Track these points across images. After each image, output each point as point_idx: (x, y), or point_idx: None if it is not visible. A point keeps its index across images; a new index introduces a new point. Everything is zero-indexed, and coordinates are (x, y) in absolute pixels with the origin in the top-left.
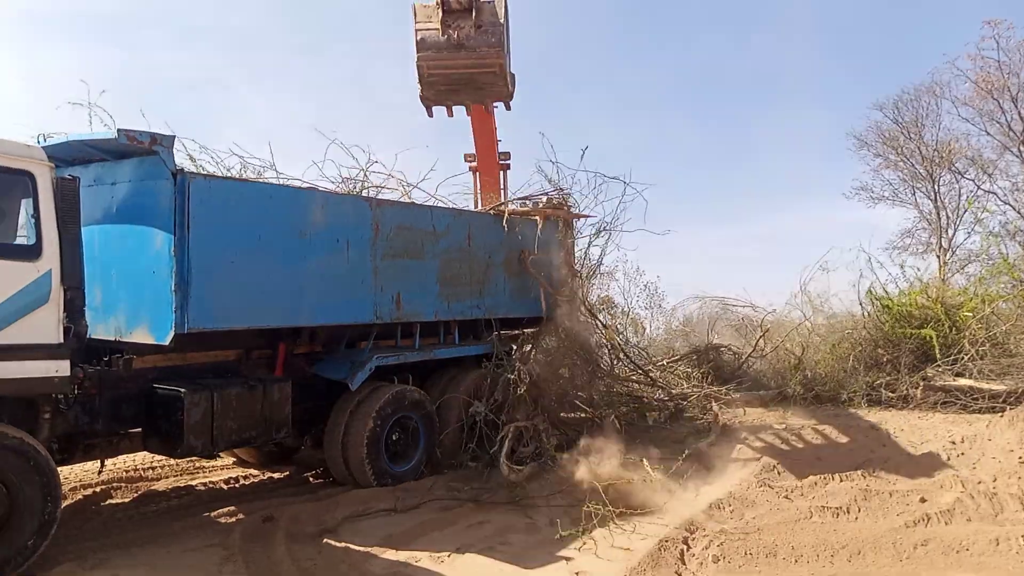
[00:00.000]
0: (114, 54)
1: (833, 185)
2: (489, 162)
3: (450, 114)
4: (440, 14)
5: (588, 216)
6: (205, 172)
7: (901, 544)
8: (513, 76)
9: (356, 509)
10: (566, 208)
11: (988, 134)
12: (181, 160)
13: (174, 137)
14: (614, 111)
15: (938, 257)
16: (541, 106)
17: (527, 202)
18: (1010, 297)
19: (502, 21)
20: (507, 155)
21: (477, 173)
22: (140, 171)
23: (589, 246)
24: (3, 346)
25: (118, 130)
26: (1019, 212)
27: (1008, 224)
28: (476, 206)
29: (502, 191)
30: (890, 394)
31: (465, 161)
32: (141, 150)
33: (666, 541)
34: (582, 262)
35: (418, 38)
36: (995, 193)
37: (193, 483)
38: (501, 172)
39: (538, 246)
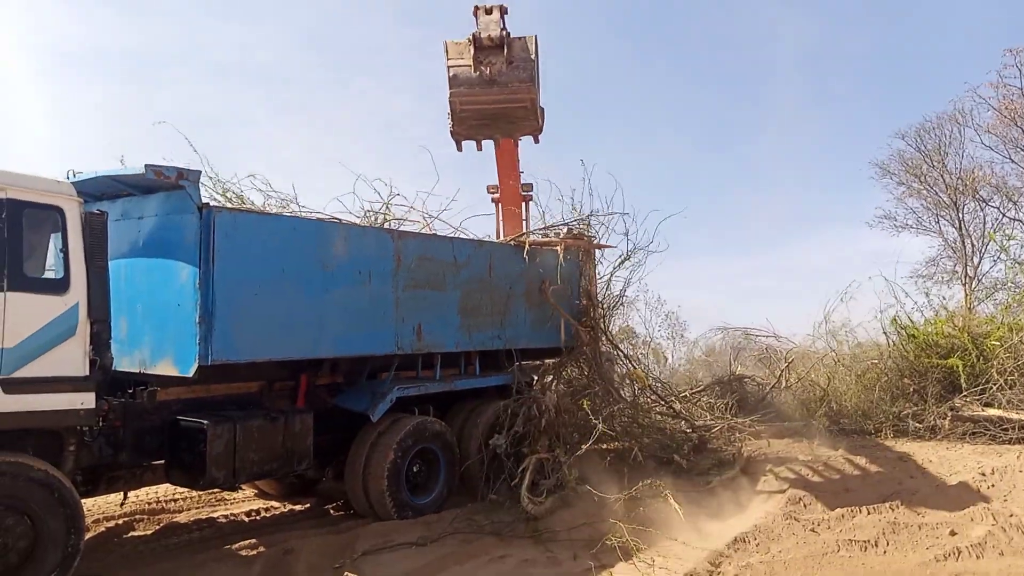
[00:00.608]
0: (139, 90)
1: (856, 214)
2: (512, 194)
3: (479, 148)
4: (472, 51)
5: (609, 247)
6: (230, 206)
7: None
8: (543, 110)
9: (377, 542)
10: (587, 239)
11: (1012, 161)
12: (208, 195)
13: (200, 172)
14: (633, 141)
15: (964, 285)
16: (555, 135)
17: (548, 233)
18: None
19: (533, 57)
20: (529, 186)
21: (499, 204)
22: (167, 206)
23: (611, 277)
24: (31, 379)
25: (145, 165)
26: None
27: None
28: (498, 237)
29: (524, 222)
30: (917, 425)
31: (488, 193)
32: (168, 185)
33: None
34: (604, 292)
35: (450, 74)
36: (1020, 220)
37: (215, 515)
38: (524, 203)
39: (560, 277)
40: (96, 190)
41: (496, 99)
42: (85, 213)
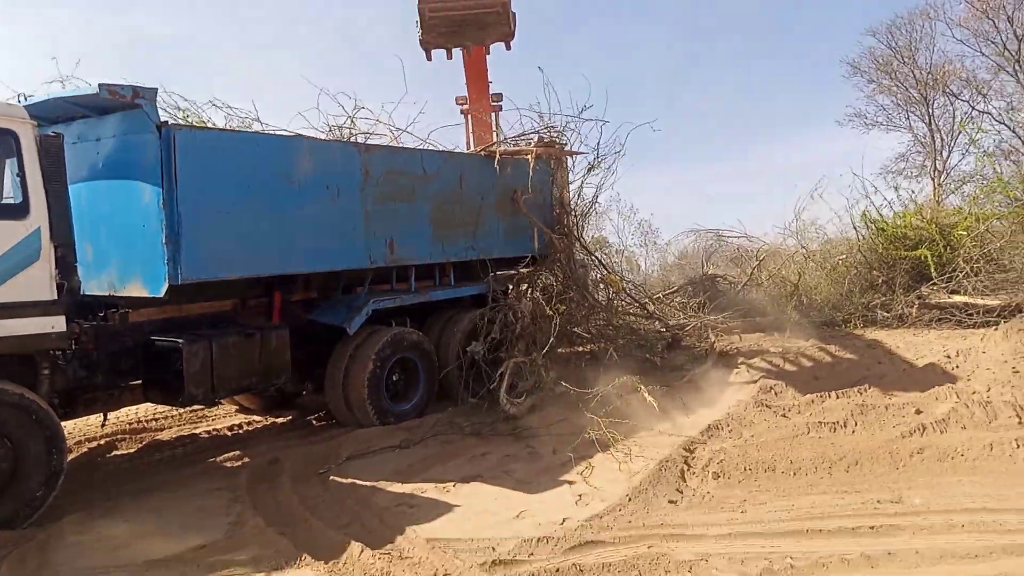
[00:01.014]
0: (91, 15)
1: (827, 114)
2: (482, 104)
3: (449, 56)
4: None
5: (580, 153)
6: (190, 124)
7: (897, 454)
8: (514, 15)
9: (360, 448)
10: (557, 146)
11: (983, 55)
12: (165, 114)
13: (156, 90)
14: (604, 47)
15: (933, 180)
16: (529, 42)
17: (519, 142)
18: (1004, 215)
19: None
20: (499, 96)
21: (469, 116)
22: (124, 126)
23: (582, 184)
24: None
25: (99, 85)
26: (1013, 131)
27: (1002, 144)
28: (468, 149)
29: (494, 133)
30: (886, 314)
31: (457, 104)
32: (124, 104)
33: (666, 461)
34: (576, 200)
35: None
36: (989, 113)
37: (197, 431)
38: (493, 114)
39: (531, 185)
40: (50, 113)
41: (467, 4)
42: (40, 136)
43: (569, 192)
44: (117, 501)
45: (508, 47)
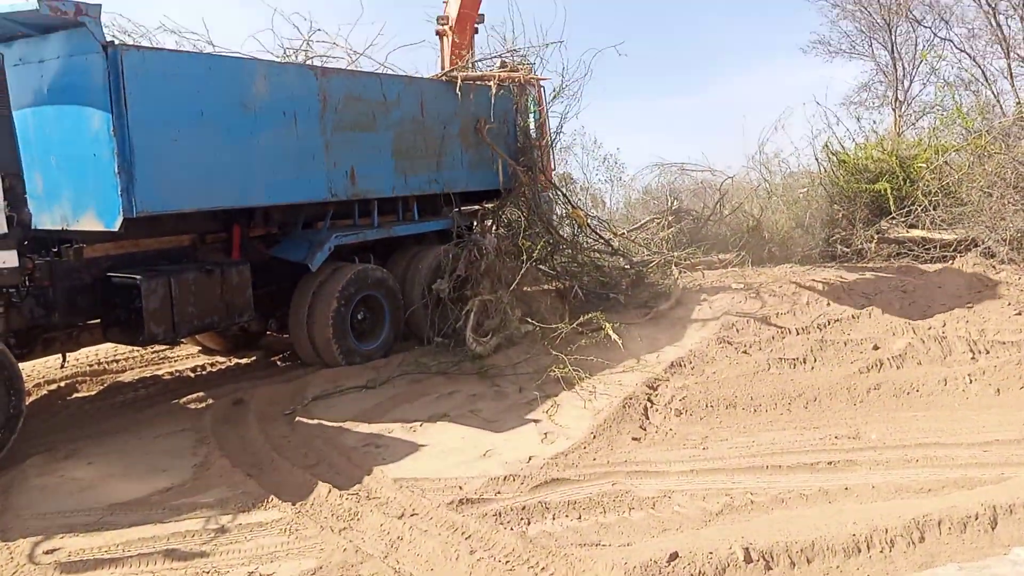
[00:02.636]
0: None
1: (791, 42)
2: (468, 22)
3: None
4: None
5: (544, 79)
6: (138, 44)
7: (855, 389)
8: None
9: (326, 388)
10: (521, 71)
11: None
12: (112, 36)
13: (100, 6)
14: None
15: (894, 110)
16: None
17: (480, 66)
18: (962, 147)
19: None
20: (482, 17)
21: (445, 38)
22: (68, 46)
23: (547, 112)
24: None
25: (39, 0)
26: (974, 60)
27: (963, 73)
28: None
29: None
30: (845, 249)
31: (439, 23)
32: (67, 22)
33: (630, 399)
34: (537, 129)
35: None
36: (951, 41)
37: (159, 373)
38: (473, 34)
39: (493, 114)
40: None
41: None
42: None
43: (545, 122)
44: (80, 444)
45: None
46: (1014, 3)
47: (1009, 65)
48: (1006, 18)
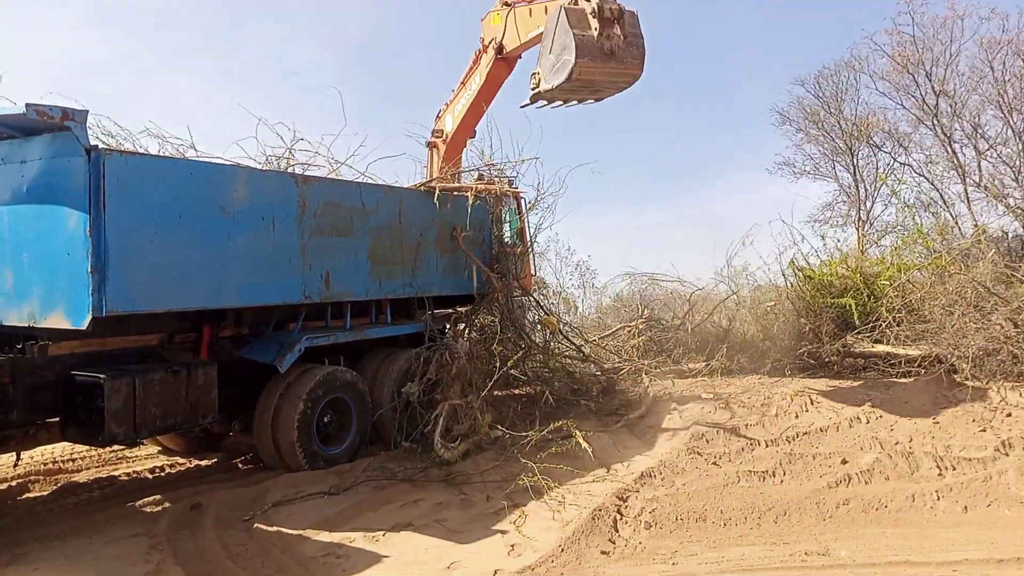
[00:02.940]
0: (20, 33)
1: (759, 161)
2: (464, 137)
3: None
4: (595, 22)
5: (519, 192)
6: (121, 148)
7: (824, 504)
8: None
9: (288, 493)
10: (498, 184)
11: (904, 108)
12: (95, 139)
13: (87, 112)
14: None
15: (857, 229)
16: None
17: (459, 178)
18: (924, 266)
19: (640, 32)
20: (475, 132)
21: (436, 150)
22: (52, 148)
23: (524, 222)
24: None
25: (27, 105)
26: (932, 184)
27: (922, 195)
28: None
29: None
30: (813, 362)
31: (432, 135)
32: (52, 126)
33: (599, 510)
34: (515, 237)
35: (576, 43)
36: (910, 166)
37: (116, 473)
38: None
39: (469, 223)
40: None
41: (611, 71)
42: None
43: (524, 230)
44: (27, 548)
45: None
46: (967, 133)
47: (966, 190)
48: (961, 147)
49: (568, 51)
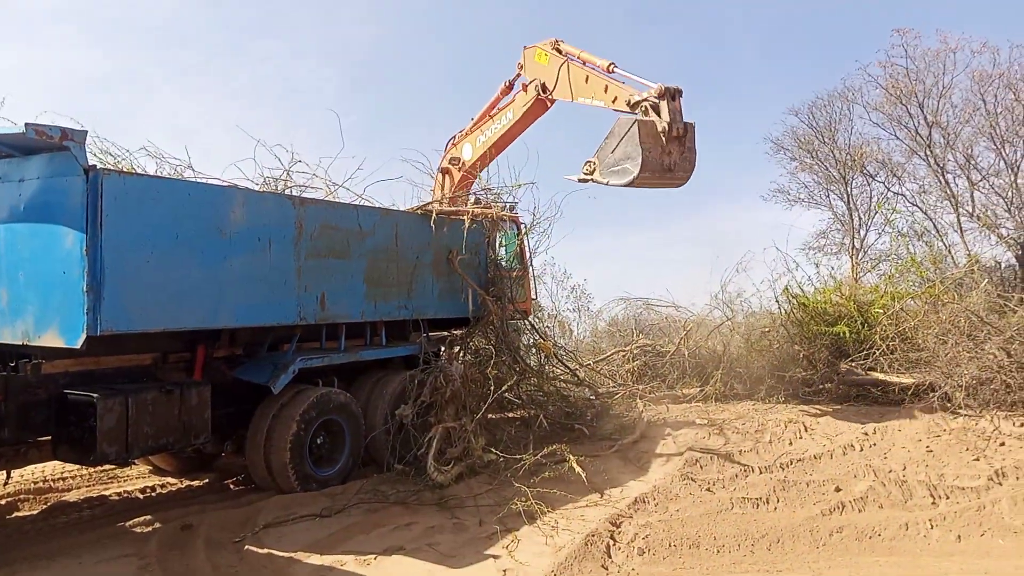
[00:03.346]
0: (20, 50)
1: (754, 188)
2: (480, 167)
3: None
4: (663, 139)
5: (515, 217)
6: (119, 168)
7: (817, 532)
8: None
9: (279, 515)
10: (494, 208)
11: (897, 138)
12: (94, 158)
13: (86, 132)
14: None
15: (851, 257)
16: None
17: (456, 202)
18: (918, 294)
19: (696, 147)
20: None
21: (448, 176)
22: (50, 168)
23: (523, 246)
24: None
25: (26, 124)
26: (925, 213)
27: (915, 225)
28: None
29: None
30: (807, 389)
31: (448, 162)
32: (51, 145)
33: (593, 536)
34: (513, 260)
35: (644, 157)
36: (903, 195)
37: (107, 493)
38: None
39: (465, 246)
40: None
41: (663, 182)
42: None
43: (524, 254)
44: (15, 567)
45: None
46: (960, 164)
47: (959, 219)
48: (954, 177)
49: (632, 162)
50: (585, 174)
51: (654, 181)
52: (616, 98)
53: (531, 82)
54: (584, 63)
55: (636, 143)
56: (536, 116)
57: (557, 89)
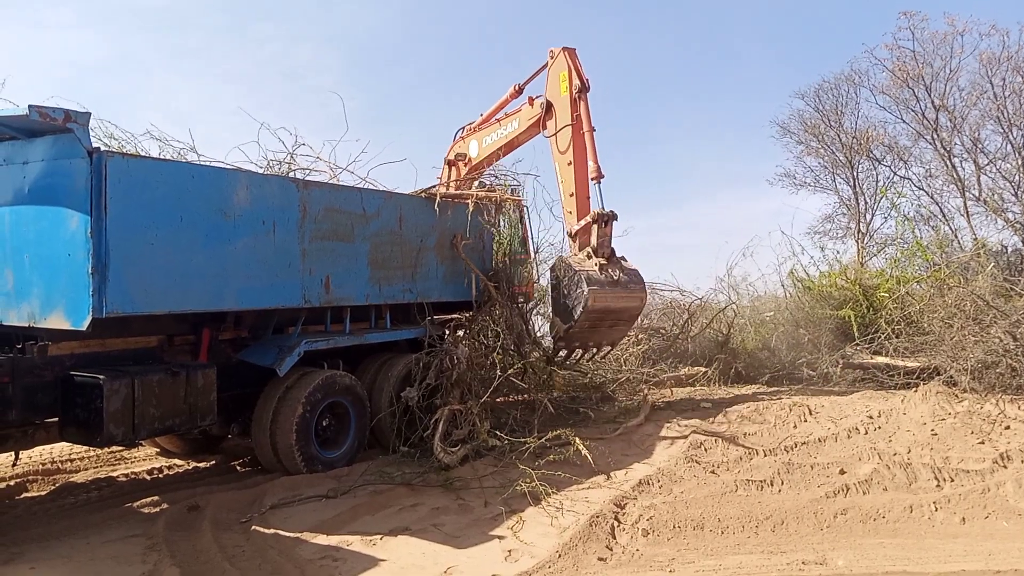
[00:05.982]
0: (20, 32)
1: (761, 172)
2: (487, 166)
3: None
4: (596, 260)
5: (518, 200)
6: (123, 151)
7: (822, 514)
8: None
9: (285, 496)
10: (498, 192)
11: (904, 122)
12: (97, 141)
13: (90, 114)
14: None
15: (856, 241)
16: (480, 92)
17: (460, 186)
18: (923, 278)
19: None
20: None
21: (454, 168)
22: (54, 150)
23: (527, 231)
24: None
25: (29, 106)
26: (932, 197)
27: (921, 209)
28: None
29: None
30: (811, 372)
31: (455, 155)
32: (55, 128)
33: (597, 517)
34: (509, 245)
35: (587, 275)
36: (910, 179)
37: (114, 474)
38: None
39: (470, 230)
40: None
41: (620, 296)
42: None
43: (527, 238)
44: (25, 547)
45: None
46: (967, 148)
47: (965, 204)
48: (960, 160)
49: (580, 288)
50: (557, 338)
51: (609, 295)
52: (569, 208)
53: (538, 97)
54: (585, 149)
55: (574, 270)
56: (538, 132)
57: (554, 131)
